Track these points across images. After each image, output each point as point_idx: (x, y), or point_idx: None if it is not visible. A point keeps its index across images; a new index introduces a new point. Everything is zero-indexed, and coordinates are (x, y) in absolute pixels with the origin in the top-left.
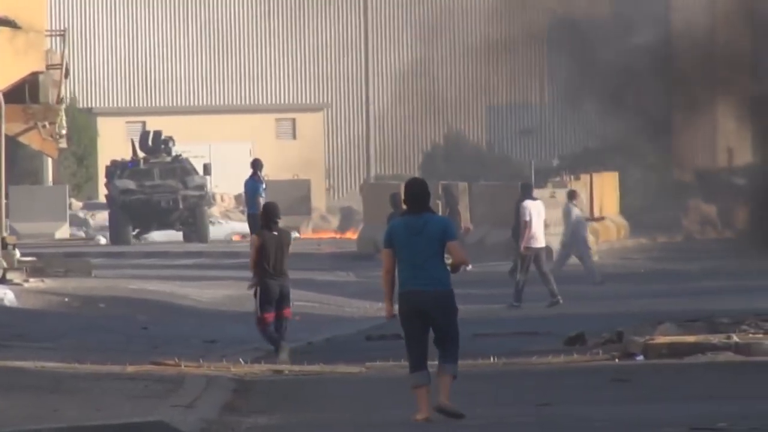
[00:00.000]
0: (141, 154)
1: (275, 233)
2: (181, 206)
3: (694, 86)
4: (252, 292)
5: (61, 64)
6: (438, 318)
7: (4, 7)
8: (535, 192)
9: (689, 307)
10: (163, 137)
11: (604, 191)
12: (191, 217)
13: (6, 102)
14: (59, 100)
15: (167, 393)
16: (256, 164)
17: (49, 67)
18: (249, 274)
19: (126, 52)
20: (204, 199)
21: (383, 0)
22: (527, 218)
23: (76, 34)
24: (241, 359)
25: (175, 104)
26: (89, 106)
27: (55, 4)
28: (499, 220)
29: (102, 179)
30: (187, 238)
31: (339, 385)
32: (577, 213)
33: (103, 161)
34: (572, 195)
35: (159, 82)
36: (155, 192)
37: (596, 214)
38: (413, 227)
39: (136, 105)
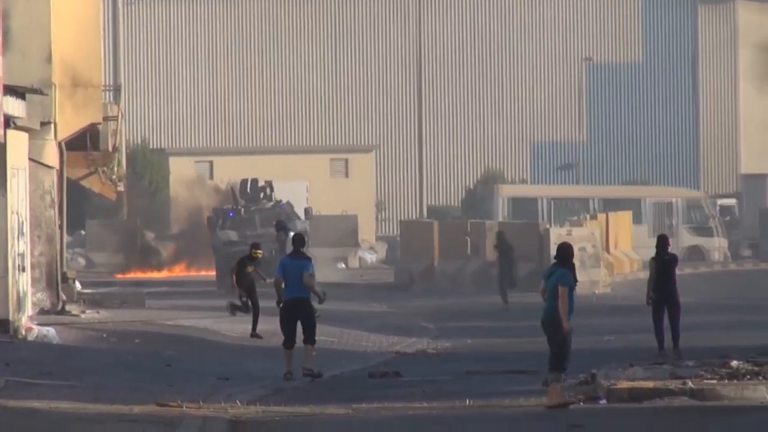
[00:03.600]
0: (242, 202)
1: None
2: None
3: None
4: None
5: (117, 116)
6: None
7: (66, 65)
8: (553, 229)
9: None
10: (260, 184)
11: (619, 229)
12: None
13: (69, 149)
14: (115, 148)
15: None
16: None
17: (106, 118)
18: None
19: (193, 98)
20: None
21: (435, 45)
22: None
23: (147, 82)
24: (238, 401)
25: (238, 145)
26: (161, 146)
27: (125, 55)
28: (522, 255)
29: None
30: None
31: (325, 427)
32: None
33: (174, 196)
34: None
35: (224, 125)
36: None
37: (611, 249)
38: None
39: (204, 146)
